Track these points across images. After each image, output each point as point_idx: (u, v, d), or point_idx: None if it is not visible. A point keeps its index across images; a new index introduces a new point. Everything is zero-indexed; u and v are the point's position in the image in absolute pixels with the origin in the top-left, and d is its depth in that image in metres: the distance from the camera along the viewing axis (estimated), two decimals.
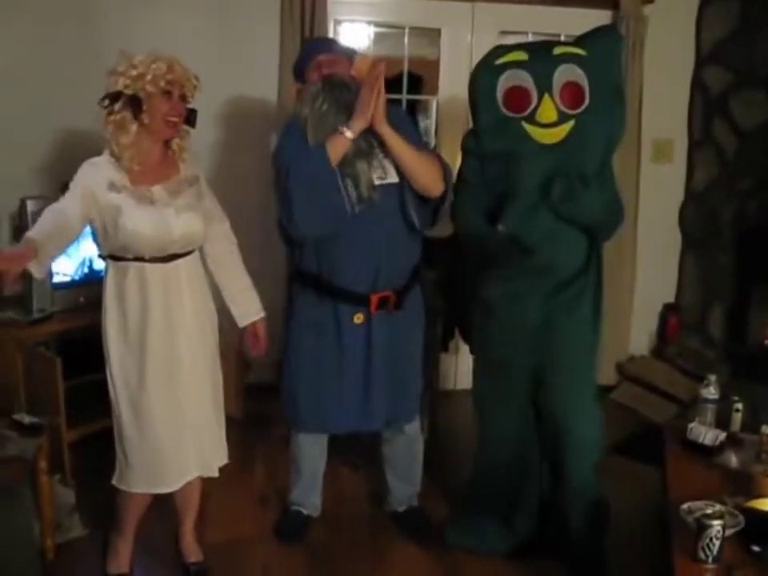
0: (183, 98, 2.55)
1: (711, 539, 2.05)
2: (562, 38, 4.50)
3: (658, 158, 4.76)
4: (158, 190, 2.56)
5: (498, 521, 3.01)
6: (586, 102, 2.64)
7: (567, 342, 2.78)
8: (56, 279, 3.56)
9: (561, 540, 2.94)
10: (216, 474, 2.77)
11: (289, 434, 3.18)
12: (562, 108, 2.62)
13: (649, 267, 4.77)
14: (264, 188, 3.66)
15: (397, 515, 3.26)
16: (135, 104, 2.45)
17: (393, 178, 2.78)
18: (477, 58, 4.34)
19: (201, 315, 2.70)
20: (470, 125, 2.92)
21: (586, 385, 2.86)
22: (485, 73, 2.78)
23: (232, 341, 3.96)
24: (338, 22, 4.44)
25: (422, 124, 4.84)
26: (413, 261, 2.94)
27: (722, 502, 2.30)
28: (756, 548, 2.13)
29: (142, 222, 2.48)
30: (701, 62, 4.63)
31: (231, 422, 3.86)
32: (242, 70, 4.22)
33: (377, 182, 2.75)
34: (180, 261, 2.62)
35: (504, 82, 2.68)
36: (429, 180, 2.78)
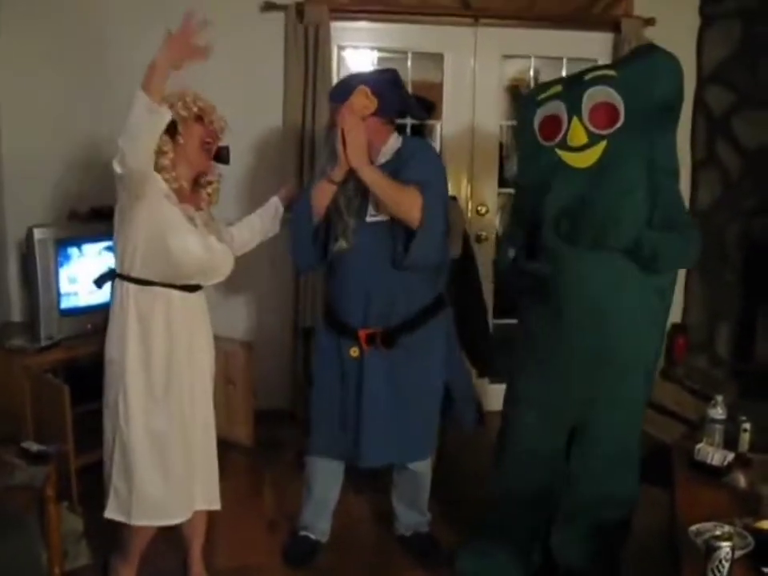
0: (216, 133, 2.63)
1: (720, 561, 2.03)
2: (564, 62, 4.58)
3: None
4: (197, 217, 2.61)
5: (514, 549, 2.93)
6: (620, 122, 2.56)
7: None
8: (64, 305, 3.58)
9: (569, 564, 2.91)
10: (219, 507, 2.78)
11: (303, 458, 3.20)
12: (592, 129, 2.58)
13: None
14: None
15: (404, 539, 3.25)
16: (171, 127, 2.46)
17: (384, 216, 2.80)
18: (480, 81, 4.47)
19: (210, 346, 2.76)
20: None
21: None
22: (525, 109, 2.80)
23: (241, 368, 3.99)
24: (341, 48, 4.48)
25: None
26: (415, 299, 2.90)
27: (731, 524, 2.27)
28: (766, 569, 2.11)
29: (190, 239, 2.52)
30: (703, 83, 4.65)
31: (241, 449, 3.91)
32: (246, 95, 4.24)
33: (369, 219, 2.81)
34: (199, 293, 2.67)
35: (540, 114, 2.69)
36: (402, 213, 2.72)
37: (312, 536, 3.19)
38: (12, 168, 4.12)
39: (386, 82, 2.86)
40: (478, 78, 4.50)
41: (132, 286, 2.53)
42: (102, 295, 3.38)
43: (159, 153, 2.48)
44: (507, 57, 4.64)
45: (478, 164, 4.62)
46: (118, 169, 2.32)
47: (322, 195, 2.82)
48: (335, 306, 2.95)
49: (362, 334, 2.86)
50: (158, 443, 2.56)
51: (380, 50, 4.56)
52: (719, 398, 2.94)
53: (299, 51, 4.24)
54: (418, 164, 2.80)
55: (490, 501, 3.03)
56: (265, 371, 4.30)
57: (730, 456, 2.75)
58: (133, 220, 2.47)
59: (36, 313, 3.54)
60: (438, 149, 4.66)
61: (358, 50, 4.58)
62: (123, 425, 2.54)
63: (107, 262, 3.15)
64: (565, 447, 2.85)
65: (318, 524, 3.19)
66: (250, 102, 4.27)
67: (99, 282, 2.71)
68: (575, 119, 2.59)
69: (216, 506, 2.77)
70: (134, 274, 2.52)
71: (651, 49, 2.68)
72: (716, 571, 2.03)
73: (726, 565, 2.03)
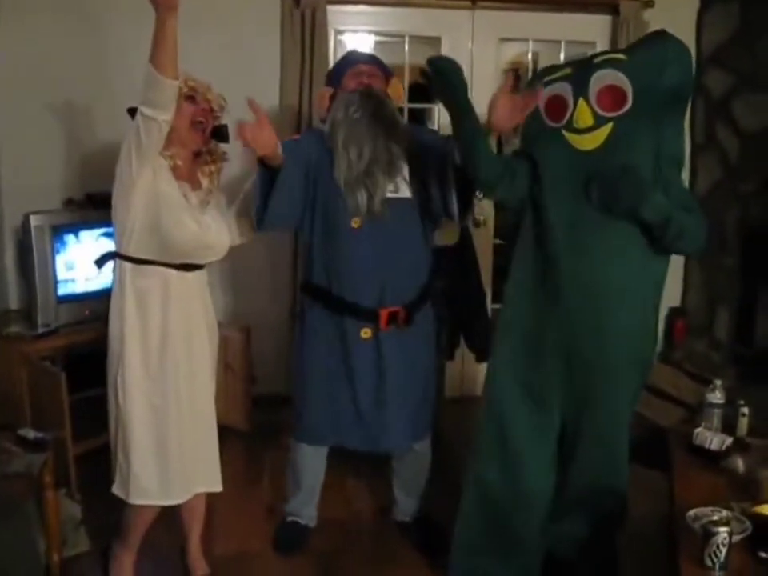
0: (211, 111, 2.62)
1: (718, 546, 2.03)
2: (562, 45, 4.56)
3: None
4: (193, 196, 2.61)
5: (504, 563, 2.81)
6: (628, 105, 2.53)
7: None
8: (61, 292, 3.58)
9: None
10: (221, 489, 2.78)
11: (290, 446, 3.17)
12: (599, 111, 2.54)
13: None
14: None
15: (405, 525, 3.25)
16: None
17: (404, 193, 2.79)
18: (477, 65, 4.44)
19: (211, 329, 2.76)
20: None
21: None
22: (530, 87, 2.75)
23: (239, 353, 3.98)
24: (338, 32, 4.45)
25: None
26: (422, 276, 2.93)
27: (729, 508, 2.27)
28: (763, 554, 2.10)
29: (183, 216, 2.52)
30: (702, 66, 4.62)
31: (238, 434, 3.91)
32: (242, 80, 4.21)
33: (388, 195, 2.77)
34: (198, 272, 2.67)
35: (545, 94, 2.67)
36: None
37: (301, 521, 3.19)
38: (8, 154, 4.10)
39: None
40: (475, 62, 4.47)
41: (129, 265, 2.55)
42: (100, 282, 3.41)
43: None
44: (505, 40, 4.62)
45: None
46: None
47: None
48: (338, 285, 2.84)
49: (383, 313, 2.81)
50: (154, 421, 2.57)
51: (377, 33, 4.55)
52: (718, 382, 2.93)
53: (296, 35, 4.22)
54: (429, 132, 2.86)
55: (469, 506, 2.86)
56: (263, 356, 4.30)
57: (729, 440, 2.74)
58: (133, 195, 2.47)
59: (33, 300, 3.54)
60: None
61: (355, 34, 4.56)
62: (122, 401, 2.56)
63: (104, 247, 3.13)
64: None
65: (307, 510, 3.19)
66: (247, 86, 4.17)
67: (99, 263, 2.72)
68: (581, 100, 2.57)
69: (217, 487, 2.77)
70: (131, 253, 2.54)
71: (663, 36, 2.64)
72: (713, 556, 2.04)
73: (724, 549, 2.03)
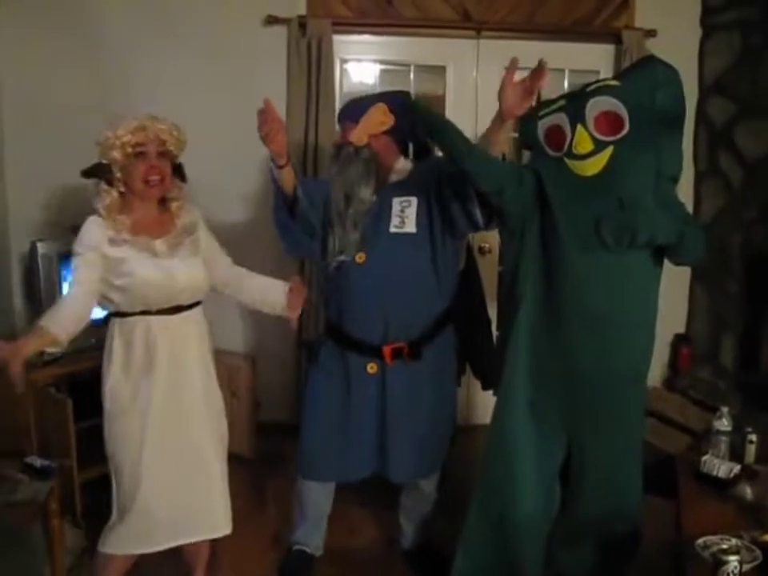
0: (165, 155, 2.58)
1: (728, 575, 2.02)
2: (566, 73, 4.58)
3: None
4: (159, 243, 2.59)
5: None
6: (626, 129, 2.56)
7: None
8: None
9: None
10: (224, 533, 2.71)
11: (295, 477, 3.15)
12: (597, 136, 2.56)
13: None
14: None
15: (410, 554, 3.24)
16: (107, 171, 2.51)
17: (410, 228, 2.78)
18: (482, 93, 4.46)
19: (208, 369, 2.72)
20: None
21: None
22: (527, 122, 2.75)
23: (244, 381, 3.98)
24: (344, 61, 4.49)
25: None
26: (433, 310, 2.89)
27: (738, 537, 2.26)
28: None
29: (146, 269, 2.51)
30: (704, 94, 4.65)
31: (243, 462, 3.90)
32: (249, 109, 4.24)
33: (393, 230, 2.78)
34: (185, 313, 2.63)
35: (542, 126, 2.68)
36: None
37: (307, 550, 3.17)
38: (15, 181, 4.13)
39: (402, 104, 2.84)
40: (480, 90, 4.50)
41: (116, 321, 2.59)
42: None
43: (99, 196, 2.55)
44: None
45: None
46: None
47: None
48: (342, 322, 2.87)
49: (386, 349, 2.81)
50: (140, 470, 2.53)
51: (383, 62, 4.56)
52: (725, 409, 2.93)
53: (302, 65, 4.26)
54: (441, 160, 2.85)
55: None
56: (267, 384, 4.29)
57: (737, 468, 2.73)
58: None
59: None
60: None
61: (360, 63, 4.59)
62: (110, 451, 2.59)
63: None
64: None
65: (313, 539, 3.18)
66: (253, 115, 4.26)
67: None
68: (579, 126, 2.59)
69: (219, 532, 2.70)
70: (113, 309, 2.59)
71: (652, 60, 2.69)
72: None
73: None
